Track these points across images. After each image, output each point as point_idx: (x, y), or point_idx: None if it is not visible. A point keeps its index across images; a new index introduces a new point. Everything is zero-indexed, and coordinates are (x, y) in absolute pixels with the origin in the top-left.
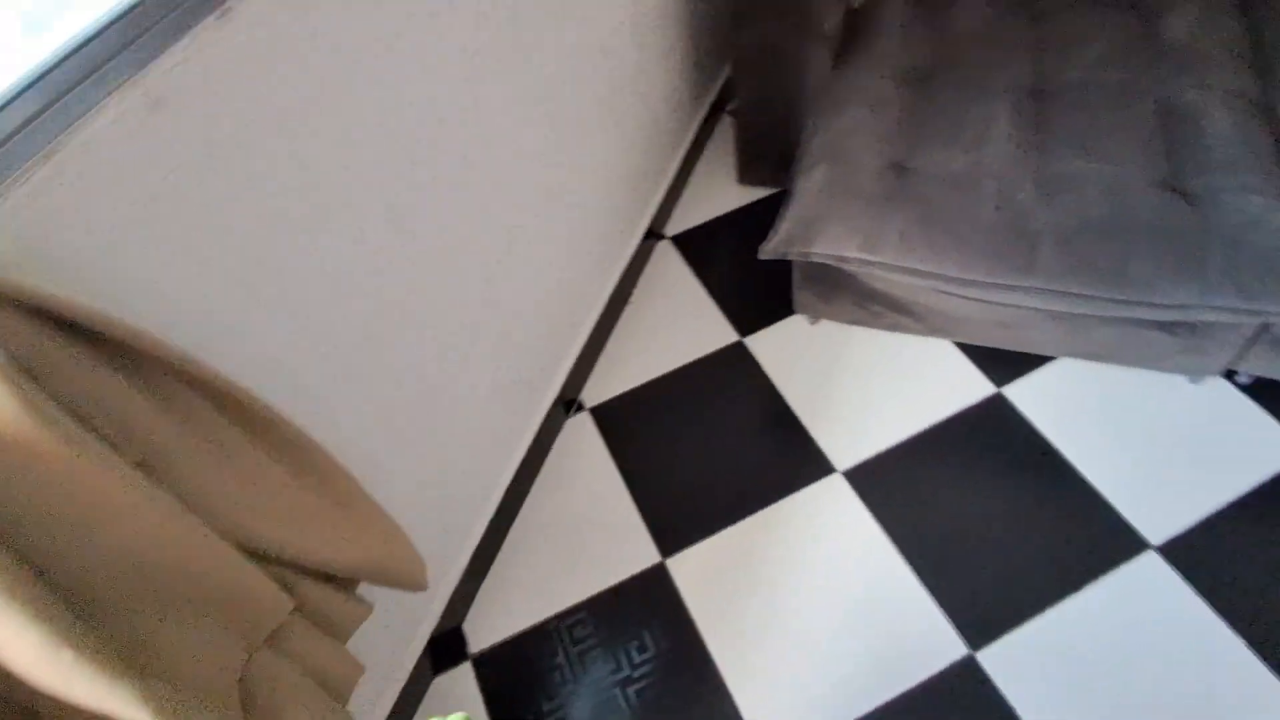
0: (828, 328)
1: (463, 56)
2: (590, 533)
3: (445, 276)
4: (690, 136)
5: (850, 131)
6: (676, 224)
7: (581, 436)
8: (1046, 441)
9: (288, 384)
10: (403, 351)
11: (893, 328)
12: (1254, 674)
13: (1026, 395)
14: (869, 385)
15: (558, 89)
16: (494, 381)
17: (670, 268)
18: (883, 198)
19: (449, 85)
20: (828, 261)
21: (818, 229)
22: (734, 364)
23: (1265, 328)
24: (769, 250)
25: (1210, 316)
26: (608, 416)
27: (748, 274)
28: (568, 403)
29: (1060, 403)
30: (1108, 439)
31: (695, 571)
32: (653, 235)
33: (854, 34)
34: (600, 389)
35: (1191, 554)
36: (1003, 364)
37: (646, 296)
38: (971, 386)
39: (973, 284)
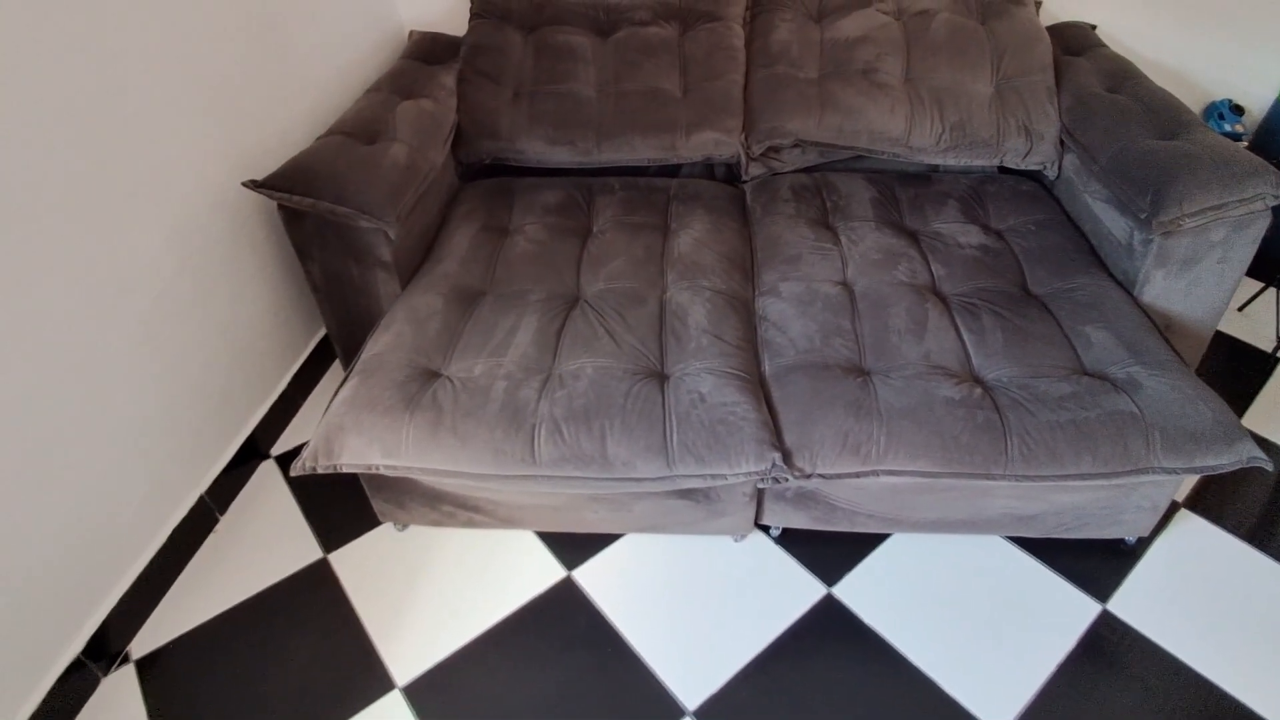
0: (415, 532)
1: None
2: None
3: None
4: (303, 356)
5: (392, 346)
6: (285, 444)
7: (117, 697)
8: (605, 619)
9: None
10: None
11: (469, 524)
12: None
13: (593, 575)
14: (448, 587)
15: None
16: None
17: (271, 489)
18: (400, 406)
19: None
20: (357, 471)
21: (341, 442)
22: (313, 586)
23: (760, 490)
24: (298, 467)
25: (684, 484)
26: (157, 669)
27: (343, 488)
28: (112, 656)
29: (623, 578)
30: (660, 609)
31: None
32: (257, 455)
33: (425, 259)
34: (157, 634)
35: (720, 712)
36: (576, 547)
37: (238, 522)
38: (546, 573)
39: (490, 478)
